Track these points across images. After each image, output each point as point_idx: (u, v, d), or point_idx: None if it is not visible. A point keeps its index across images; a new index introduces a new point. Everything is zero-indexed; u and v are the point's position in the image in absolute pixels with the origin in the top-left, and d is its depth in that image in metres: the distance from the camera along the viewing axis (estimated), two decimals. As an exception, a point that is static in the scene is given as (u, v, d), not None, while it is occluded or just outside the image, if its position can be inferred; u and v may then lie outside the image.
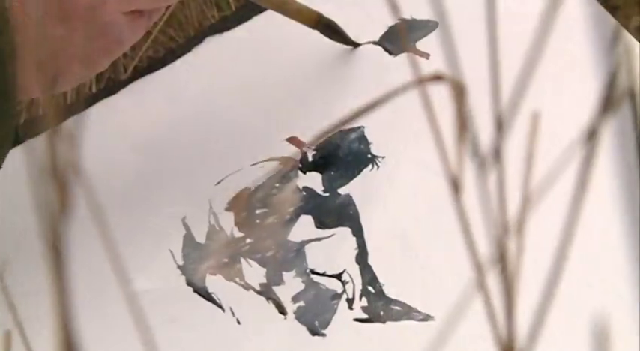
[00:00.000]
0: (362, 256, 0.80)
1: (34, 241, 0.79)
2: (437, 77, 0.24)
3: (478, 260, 0.27)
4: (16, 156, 0.72)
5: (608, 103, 0.28)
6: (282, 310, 0.79)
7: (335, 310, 0.78)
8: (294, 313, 0.79)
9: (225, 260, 0.83)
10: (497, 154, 0.28)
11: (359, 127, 0.86)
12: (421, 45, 0.90)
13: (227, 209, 0.85)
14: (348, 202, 0.83)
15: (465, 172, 0.25)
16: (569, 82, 0.83)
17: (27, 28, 0.69)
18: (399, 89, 0.26)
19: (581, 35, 0.84)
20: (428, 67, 0.88)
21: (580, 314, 0.71)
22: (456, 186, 0.25)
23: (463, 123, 0.24)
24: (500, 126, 0.28)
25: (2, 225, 0.86)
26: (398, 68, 0.89)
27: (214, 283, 0.82)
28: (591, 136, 0.28)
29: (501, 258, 0.29)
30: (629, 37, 0.82)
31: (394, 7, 0.25)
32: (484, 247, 0.32)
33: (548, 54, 0.35)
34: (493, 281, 0.29)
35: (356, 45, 0.90)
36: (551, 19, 0.26)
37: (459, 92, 0.24)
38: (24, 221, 0.84)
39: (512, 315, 0.31)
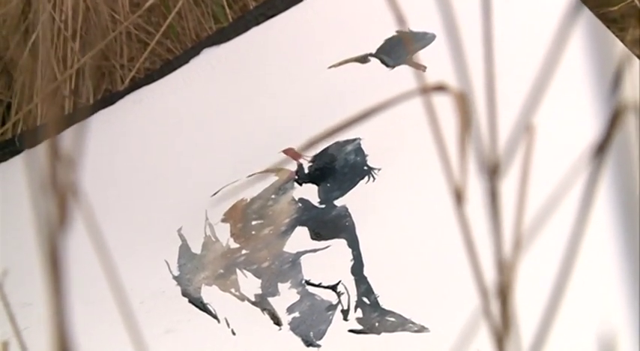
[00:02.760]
0: (357, 268, 0.80)
1: (33, 251, 0.79)
2: (439, 87, 0.24)
3: (480, 273, 0.27)
4: (16, 167, 0.71)
5: (615, 119, 0.28)
6: (277, 321, 0.79)
7: (330, 322, 0.78)
8: (289, 324, 0.79)
9: (221, 271, 0.83)
10: (493, 197, 0.28)
11: (355, 139, 0.86)
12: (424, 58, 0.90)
13: (223, 220, 0.85)
14: (344, 213, 0.83)
15: (469, 182, 0.25)
16: (568, 100, 0.83)
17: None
18: (400, 97, 0.26)
19: (582, 55, 0.84)
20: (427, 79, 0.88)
21: (582, 327, 0.71)
22: (459, 196, 0.25)
23: (466, 132, 0.24)
24: (496, 171, 0.28)
25: (1, 236, 0.86)
26: (398, 81, 0.89)
27: (210, 293, 0.82)
28: (599, 151, 0.28)
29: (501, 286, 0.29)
30: (633, 57, 0.82)
31: (400, 19, 0.25)
32: (485, 260, 0.32)
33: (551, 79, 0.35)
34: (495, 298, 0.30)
35: None
36: (556, 56, 0.26)
37: (462, 102, 0.24)
38: (23, 232, 0.83)
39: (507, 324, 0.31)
